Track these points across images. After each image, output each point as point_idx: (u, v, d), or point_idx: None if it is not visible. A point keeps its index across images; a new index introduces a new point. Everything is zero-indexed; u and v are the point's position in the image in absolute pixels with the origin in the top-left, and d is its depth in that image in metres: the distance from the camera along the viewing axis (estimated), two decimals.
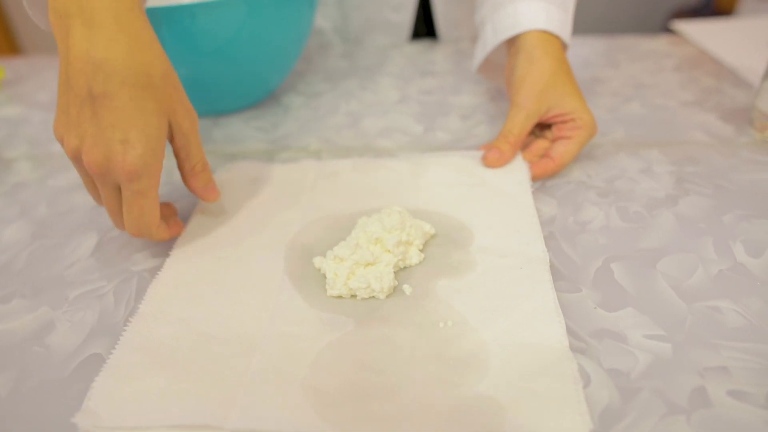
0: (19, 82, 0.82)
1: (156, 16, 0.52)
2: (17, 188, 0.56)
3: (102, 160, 0.36)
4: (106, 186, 0.38)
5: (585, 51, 0.82)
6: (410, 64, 0.80)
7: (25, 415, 0.32)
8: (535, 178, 0.50)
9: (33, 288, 0.42)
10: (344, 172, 0.51)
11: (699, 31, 0.86)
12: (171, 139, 0.40)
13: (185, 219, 0.47)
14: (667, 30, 0.98)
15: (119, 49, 0.35)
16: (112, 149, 0.35)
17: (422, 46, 0.86)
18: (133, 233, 0.40)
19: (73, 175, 0.57)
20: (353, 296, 0.38)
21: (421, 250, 0.41)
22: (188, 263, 0.42)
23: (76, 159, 0.38)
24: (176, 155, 0.42)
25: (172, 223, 0.45)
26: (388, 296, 0.38)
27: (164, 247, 0.45)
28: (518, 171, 0.49)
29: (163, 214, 0.44)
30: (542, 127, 0.54)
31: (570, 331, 0.35)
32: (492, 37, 0.56)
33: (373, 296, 0.38)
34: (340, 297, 0.38)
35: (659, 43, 0.84)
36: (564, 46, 0.53)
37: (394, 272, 0.39)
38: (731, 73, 0.73)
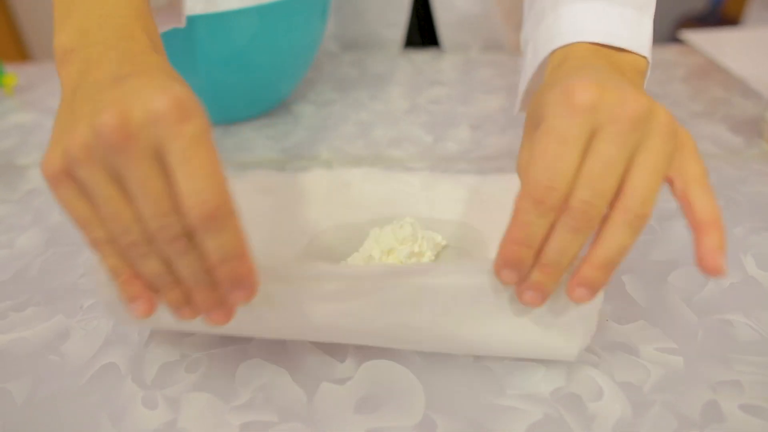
0: (31, 89, 0.83)
1: None
2: (30, 195, 0.56)
3: (136, 113, 0.25)
4: (137, 157, 0.25)
5: None
6: (419, 73, 0.80)
7: (40, 423, 0.33)
8: None
9: (47, 296, 0.42)
10: (356, 182, 0.52)
11: (707, 40, 0.86)
12: None
13: None
14: (673, 38, 0.98)
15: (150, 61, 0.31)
16: (147, 96, 0.26)
17: (430, 55, 0.86)
18: (204, 210, 0.25)
19: None
20: None
21: (432, 262, 0.41)
22: None
23: (88, 149, 0.26)
24: None
25: None
26: None
27: None
28: None
29: None
30: None
31: None
32: (532, 59, 0.39)
33: None
34: None
35: (668, 53, 0.84)
36: (639, 64, 0.36)
37: None
38: (740, 83, 0.73)
